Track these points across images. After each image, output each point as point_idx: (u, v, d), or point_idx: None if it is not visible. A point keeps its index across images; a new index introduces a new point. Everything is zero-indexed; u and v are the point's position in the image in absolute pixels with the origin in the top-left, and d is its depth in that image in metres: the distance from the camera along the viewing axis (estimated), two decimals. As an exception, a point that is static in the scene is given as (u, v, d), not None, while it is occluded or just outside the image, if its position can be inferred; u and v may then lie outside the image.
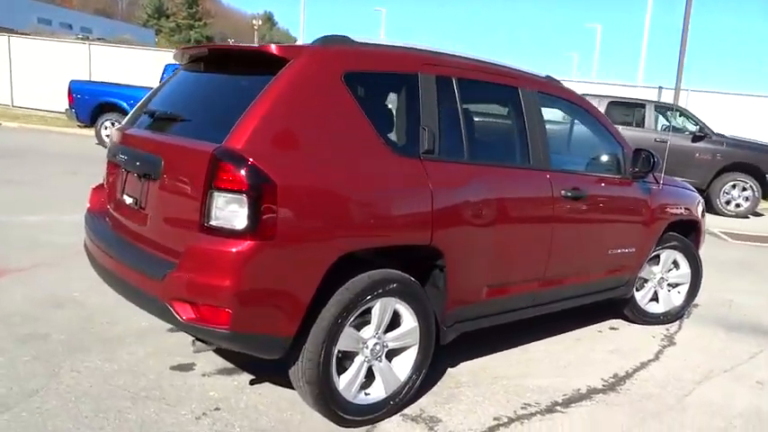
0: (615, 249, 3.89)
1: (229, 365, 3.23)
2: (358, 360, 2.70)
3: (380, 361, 2.76)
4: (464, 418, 2.90)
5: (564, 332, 4.18)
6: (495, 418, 2.93)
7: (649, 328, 4.45)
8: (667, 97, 15.77)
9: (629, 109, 12.00)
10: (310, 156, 2.44)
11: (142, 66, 18.49)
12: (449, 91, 2.95)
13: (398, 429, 2.77)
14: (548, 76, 3.65)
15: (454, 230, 2.84)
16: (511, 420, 2.92)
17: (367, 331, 2.69)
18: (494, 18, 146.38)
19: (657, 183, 4.16)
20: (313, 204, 2.41)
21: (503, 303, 3.30)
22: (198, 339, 2.55)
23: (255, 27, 61.33)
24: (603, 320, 4.49)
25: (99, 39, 26.81)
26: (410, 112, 2.80)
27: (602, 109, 11.35)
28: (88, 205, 3.36)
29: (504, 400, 3.12)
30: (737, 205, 11.38)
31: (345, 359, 2.68)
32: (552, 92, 3.57)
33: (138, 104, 3.28)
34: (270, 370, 3.10)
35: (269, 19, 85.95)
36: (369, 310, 2.66)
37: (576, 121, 3.85)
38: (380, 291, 2.62)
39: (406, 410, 2.90)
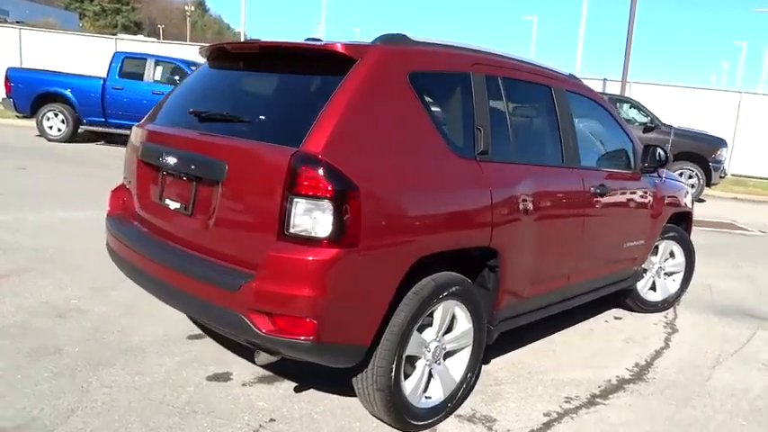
0: (630, 242, 4.01)
1: (267, 373, 3.11)
2: (420, 364, 2.65)
3: (439, 364, 2.73)
4: (517, 416, 2.92)
5: (574, 324, 4.27)
6: (545, 414, 2.96)
7: (649, 316, 4.62)
8: (611, 89, 16.40)
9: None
10: (385, 159, 2.37)
11: (76, 52, 17.49)
12: (496, 91, 2.94)
13: (458, 431, 2.76)
14: (570, 74, 3.70)
15: (508, 230, 2.84)
16: (560, 415, 2.97)
17: (428, 334, 2.65)
18: (432, 11, 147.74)
19: (660, 176, 4.32)
20: (391, 209, 2.34)
21: (541, 300, 3.34)
22: (264, 350, 2.43)
23: (188, 13, 59.17)
24: (606, 311, 4.62)
25: (18, 22, 25.14)
26: (466, 113, 2.77)
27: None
28: (108, 209, 3.14)
29: (546, 396, 3.16)
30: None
31: (408, 364, 2.63)
32: (576, 90, 3.62)
33: (167, 101, 3.09)
34: (312, 377, 3.02)
35: (200, 5, 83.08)
36: (431, 314, 2.62)
37: (594, 117, 3.93)
38: (444, 294, 2.59)
39: (459, 411, 2.89)
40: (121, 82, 12.04)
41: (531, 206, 2.97)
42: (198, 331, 3.55)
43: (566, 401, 3.11)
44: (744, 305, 5.11)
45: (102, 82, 12.07)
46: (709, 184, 12.19)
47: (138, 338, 3.40)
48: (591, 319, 4.42)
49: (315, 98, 2.40)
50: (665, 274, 4.73)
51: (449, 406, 2.78)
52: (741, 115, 17.60)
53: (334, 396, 2.92)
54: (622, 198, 3.85)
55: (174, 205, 2.67)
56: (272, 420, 2.69)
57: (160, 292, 2.65)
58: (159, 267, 2.59)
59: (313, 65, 2.55)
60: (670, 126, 12.19)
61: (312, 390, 2.98)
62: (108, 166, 10.01)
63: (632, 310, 4.64)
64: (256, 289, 2.21)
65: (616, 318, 4.55)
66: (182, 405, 2.74)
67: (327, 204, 2.14)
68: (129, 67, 12.21)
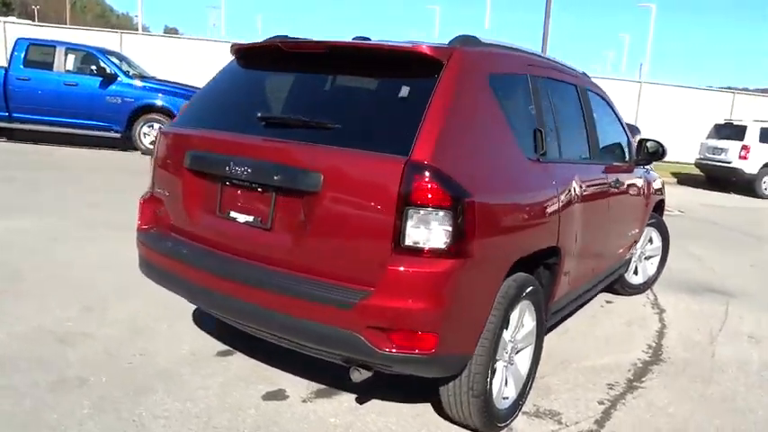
0: (631, 230, 4.25)
1: (319, 386, 2.97)
2: (500, 366, 2.65)
3: (512, 363, 2.75)
4: (576, 407, 3.00)
5: (576, 310, 4.46)
6: (599, 403, 3.07)
7: (633, 298, 4.92)
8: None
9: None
10: (480, 163, 2.34)
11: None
12: (545, 91, 2.98)
13: (530, 428, 2.80)
14: (583, 72, 3.82)
15: (567, 228, 2.90)
16: (612, 403, 3.09)
17: (506, 336, 2.66)
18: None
19: (646, 167, 4.59)
20: (494, 215, 2.32)
21: (574, 293, 3.45)
22: (365, 368, 2.32)
23: (68, -5, 54.64)
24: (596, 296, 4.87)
25: None
26: (529, 115, 2.79)
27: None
28: (141, 222, 2.84)
29: (590, 384, 3.27)
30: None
31: (490, 367, 2.63)
32: (591, 87, 3.75)
33: (202, 103, 2.84)
34: (363, 386, 2.94)
35: (80, -14, 76.83)
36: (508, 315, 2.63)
37: (600, 112, 4.09)
38: (522, 295, 2.60)
39: (525, 408, 2.93)
40: (27, 72, 10.93)
41: (579, 203, 3.05)
42: (224, 347, 3.33)
43: (609, 388, 3.24)
44: (705, 283, 5.57)
45: (3, 72, 10.89)
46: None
47: (165, 360, 3.13)
48: (587, 306, 4.63)
49: (406, 102, 2.30)
50: (645, 258, 5.05)
51: (519, 404, 2.81)
52: (642, 102, 19.08)
53: (399, 404, 2.86)
54: (627, 190, 4.05)
55: (243, 218, 2.46)
56: (353, 437, 2.59)
57: (236, 312, 2.44)
58: (237, 286, 2.38)
59: (395, 67, 2.43)
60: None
61: (374, 400, 2.89)
62: (27, 167, 9.09)
63: (618, 294, 4.91)
64: (375, 305, 2.10)
65: (607, 302, 4.79)
66: (253, 430, 2.57)
67: (445, 214, 2.08)
68: (34, 55, 11.10)
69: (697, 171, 15.58)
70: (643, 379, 3.41)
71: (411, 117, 2.21)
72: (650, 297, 5.00)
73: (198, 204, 2.64)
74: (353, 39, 2.84)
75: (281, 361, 3.14)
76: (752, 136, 13.83)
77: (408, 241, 2.09)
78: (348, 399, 2.89)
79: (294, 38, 2.76)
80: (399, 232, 2.09)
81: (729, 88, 26.34)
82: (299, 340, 2.32)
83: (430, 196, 2.07)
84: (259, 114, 2.49)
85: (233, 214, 2.50)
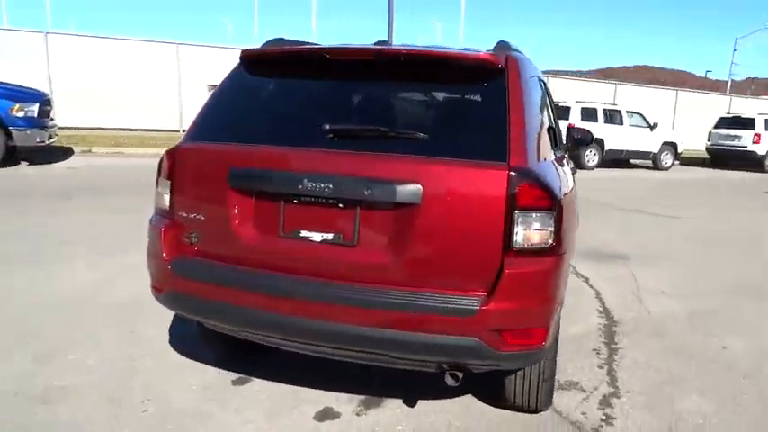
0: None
1: (360, 397, 2.91)
2: (553, 347, 2.84)
3: (554, 343, 2.96)
4: (586, 375, 3.31)
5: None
6: (599, 367, 3.42)
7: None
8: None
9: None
10: (547, 162, 2.49)
11: None
12: (546, 91, 3.23)
13: (566, 400, 3.03)
14: None
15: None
16: (609, 365, 3.45)
17: (555, 319, 2.86)
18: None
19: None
20: (570, 211, 2.50)
21: None
22: (456, 370, 2.35)
23: None
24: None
25: None
26: (548, 114, 3.00)
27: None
28: (164, 251, 2.51)
29: (581, 352, 3.62)
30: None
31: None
32: (541, 77, 4.08)
33: (232, 113, 2.60)
34: (399, 388, 2.97)
35: None
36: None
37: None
38: None
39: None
40: None
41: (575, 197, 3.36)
42: (233, 375, 3.10)
43: (596, 353, 3.62)
44: (600, 249, 6.36)
45: None
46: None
47: (181, 401, 2.83)
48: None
49: (482, 108, 2.37)
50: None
51: (556, 379, 3.03)
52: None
53: (443, 401, 2.92)
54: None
55: (319, 237, 2.32)
56: (431, 441, 2.60)
57: (313, 334, 2.29)
58: (319, 307, 2.24)
59: (455, 73, 2.46)
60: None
61: (421, 401, 2.91)
62: None
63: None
64: (495, 309, 2.14)
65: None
66: (332, 454, 2.46)
67: (547, 214, 2.20)
68: None
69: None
70: (616, 340, 3.86)
71: (495, 123, 2.28)
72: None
73: (251, 226, 2.41)
74: (375, 43, 2.79)
75: (303, 378, 3.02)
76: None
77: (518, 244, 2.17)
78: (395, 404, 2.88)
79: (302, 42, 2.66)
80: (509, 236, 2.16)
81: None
82: (406, 354, 2.27)
83: (535, 199, 2.17)
84: (328, 126, 2.34)
85: (304, 233, 2.34)
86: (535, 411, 2.81)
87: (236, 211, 2.41)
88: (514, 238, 2.17)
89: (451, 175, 2.21)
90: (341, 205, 2.29)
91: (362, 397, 2.92)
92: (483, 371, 2.42)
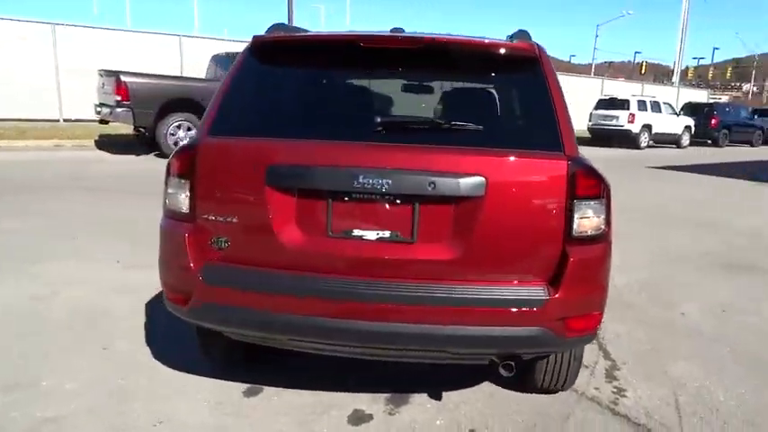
0: None
1: (385, 395, 2.83)
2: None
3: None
4: (621, 352, 3.46)
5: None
6: (599, 348, 3.58)
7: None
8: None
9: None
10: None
11: None
12: None
13: (581, 379, 3.14)
14: None
15: None
16: (602, 342, 3.63)
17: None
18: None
19: None
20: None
21: None
22: (510, 362, 2.34)
23: None
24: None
25: None
26: None
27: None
28: (192, 262, 2.25)
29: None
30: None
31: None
32: None
33: (258, 105, 2.39)
34: (421, 381, 2.94)
35: None
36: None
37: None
38: None
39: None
40: None
41: None
42: (242, 385, 2.88)
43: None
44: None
45: None
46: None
47: (195, 418, 2.60)
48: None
49: (526, 98, 2.34)
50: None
51: None
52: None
53: (466, 391, 2.90)
54: None
55: (374, 235, 2.19)
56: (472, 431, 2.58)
57: (368, 336, 2.17)
58: (379, 308, 2.12)
59: (492, 63, 2.41)
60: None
61: (444, 394, 2.87)
62: None
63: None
64: (562, 298, 2.15)
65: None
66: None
67: (599, 203, 2.23)
68: None
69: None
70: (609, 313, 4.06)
71: (544, 112, 2.28)
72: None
73: (293, 227, 2.23)
74: (392, 30, 2.67)
75: (316, 382, 2.89)
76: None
77: (577, 232, 2.19)
78: (421, 399, 2.83)
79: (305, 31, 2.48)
80: (569, 225, 2.18)
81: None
82: (471, 349, 2.22)
83: (590, 188, 2.20)
84: (379, 119, 2.21)
85: (357, 232, 2.20)
86: (556, 391, 2.88)
87: (275, 211, 2.22)
88: (574, 227, 2.19)
89: (514, 167, 2.19)
90: (398, 201, 2.18)
91: (386, 396, 2.84)
92: (531, 357, 2.43)
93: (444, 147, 2.22)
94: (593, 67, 62.74)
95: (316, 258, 2.23)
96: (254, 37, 2.50)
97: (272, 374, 2.97)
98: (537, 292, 2.17)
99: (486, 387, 2.96)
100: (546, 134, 2.26)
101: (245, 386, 2.88)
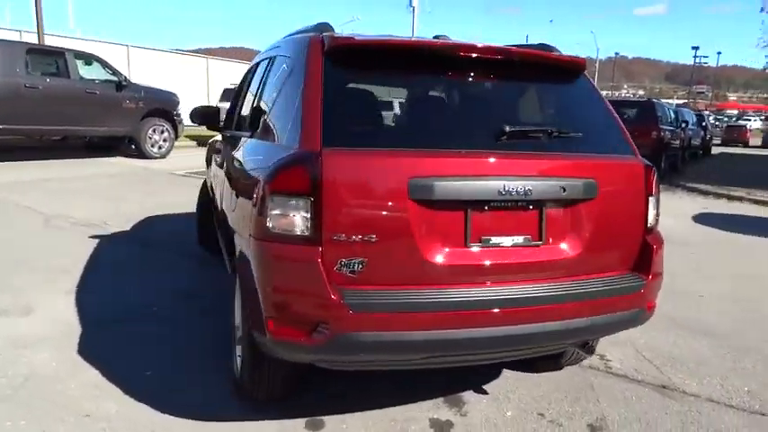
0: None
1: (437, 400, 2.87)
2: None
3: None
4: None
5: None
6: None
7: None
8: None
9: (50, 57, 10.86)
10: None
11: None
12: None
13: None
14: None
15: None
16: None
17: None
18: None
19: None
20: None
21: None
22: (592, 344, 2.62)
23: None
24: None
25: None
26: None
27: (19, 57, 10.00)
28: (330, 290, 2.01)
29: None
30: (160, 147, 12.68)
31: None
32: None
33: (362, 113, 2.19)
34: (470, 380, 3.07)
35: None
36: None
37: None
38: None
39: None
40: None
41: None
42: (300, 420, 2.64)
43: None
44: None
45: None
46: (177, 136, 13.25)
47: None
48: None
49: (589, 105, 2.59)
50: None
51: None
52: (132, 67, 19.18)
53: (504, 381, 3.10)
54: None
55: (509, 241, 2.25)
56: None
57: (512, 340, 2.23)
58: (520, 312, 2.19)
59: (551, 72, 2.62)
60: (136, 84, 12.35)
61: (486, 387, 3.01)
62: None
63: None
64: (652, 281, 2.48)
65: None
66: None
67: (657, 199, 2.62)
68: None
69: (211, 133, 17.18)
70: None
71: (610, 120, 2.59)
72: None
73: (433, 240, 2.16)
74: (434, 37, 2.68)
75: (369, 402, 2.81)
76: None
77: (650, 224, 2.56)
78: (474, 396, 2.93)
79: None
80: (647, 218, 2.53)
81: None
82: (589, 337, 2.43)
83: (657, 185, 2.59)
84: (508, 128, 2.24)
85: (495, 240, 2.23)
86: (562, 367, 3.24)
87: (417, 225, 2.13)
88: (649, 220, 2.55)
89: (615, 170, 2.47)
90: (530, 207, 2.28)
91: (441, 400, 2.88)
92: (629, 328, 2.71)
93: (568, 153, 2.42)
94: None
95: (456, 270, 2.20)
96: (336, 39, 2.32)
97: (320, 403, 2.77)
98: (636, 278, 2.49)
99: (509, 374, 3.19)
100: (619, 139, 2.59)
101: (302, 420, 2.64)
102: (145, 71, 18.39)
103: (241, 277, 2.45)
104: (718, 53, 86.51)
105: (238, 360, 2.85)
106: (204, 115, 4.46)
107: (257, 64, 3.70)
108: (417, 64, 2.39)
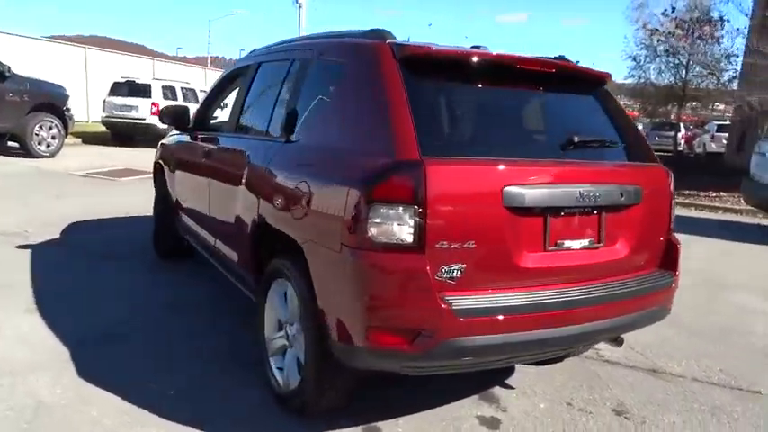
0: None
1: (472, 397, 2.98)
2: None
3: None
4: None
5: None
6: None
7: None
8: None
9: None
10: None
11: None
12: None
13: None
14: None
15: None
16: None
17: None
18: None
19: None
20: None
21: None
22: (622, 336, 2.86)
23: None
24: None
25: None
26: None
27: None
28: (438, 297, 2.05)
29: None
30: (48, 145, 11.55)
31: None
32: None
33: (447, 124, 2.23)
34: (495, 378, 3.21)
35: None
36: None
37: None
38: None
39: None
40: None
41: None
42: (357, 428, 2.62)
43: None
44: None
45: None
46: (67, 133, 12.13)
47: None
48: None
49: (615, 116, 2.82)
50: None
51: None
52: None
53: (519, 374, 3.26)
54: None
55: (578, 244, 2.42)
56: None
57: (583, 336, 2.41)
58: (590, 310, 2.36)
59: (584, 84, 2.82)
60: (21, 75, 11.13)
61: (508, 382, 3.17)
62: None
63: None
64: (676, 278, 2.76)
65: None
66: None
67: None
68: None
69: (103, 128, 15.89)
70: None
71: (635, 129, 2.85)
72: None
73: (520, 245, 2.27)
74: (472, 47, 2.78)
75: (411, 405, 2.86)
76: (157, 94, 15.22)
77: (672, 224, 2.83)
78: (503, 392, 3.06)
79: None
80: (670, 219, 2.80)
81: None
82: (632, 329, 2.66)
83: (674, 189, 2.87)
84: (577, 139, 2.40)
85: (567, 243, 2.38)
86: (563, 359, 3.49)
87: (508, 232, 2.24)
88: (672, 220, 2.84)
89: (652, 176, 2.73)
90: (595, 212, 2.46)
91: (476, 398, 2.99)
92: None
93: (622, 162, 2.67)
94: (209, 59, 63.44)
95: (539, 273, 2.34)
96: (411, 48, 2.36)
97: (369, 409, 2.76)
98: (666, 275, 2.75)
99: (520, 368, 3.37)
100: (646, 147, 2.85)
101: (359, 428, 2.62)
102: (11, 61, 16.50)
103: (311, 289, 2.39)
104: (577, 62, 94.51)
105: (277, 372, 2.78)
106: (175, 115, 4.25)
107: (258, 65, 3.56)
108: (486, 75, 2.49)
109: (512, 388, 3.13)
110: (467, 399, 2.96)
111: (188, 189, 4.23)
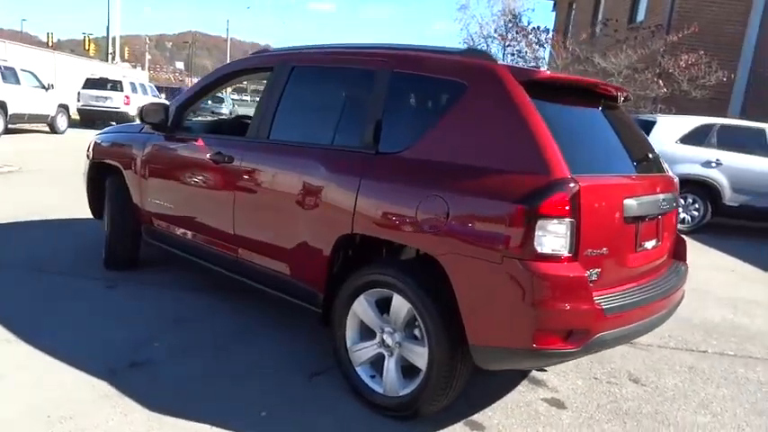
0: None
1: (535, 378, 3.32)
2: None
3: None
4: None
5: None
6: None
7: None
8: None
9: None
10: None
11: None
12: None
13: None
14: None
15: None
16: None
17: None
18: None
19: None
20: None
21: None
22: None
23: None
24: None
25: None
26: None
27: None
28: (590, 299, 2.35)
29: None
30: None
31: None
32: None
33: (565, 142, 2.48)
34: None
35: None
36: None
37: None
38: None
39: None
40: None
41: None
42: (460, 424, 2.82)
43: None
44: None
45: None
46: None
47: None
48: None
49: (637, 132, 3.34)
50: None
51: None
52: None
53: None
54: None
55: (650, 245, 2.87)
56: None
57: (653, 323, 2.85)
58: (663, 302, 2.85)
59: (620, 104, 3.27)
60: None
61: (533, 378, 3.56)
62: None
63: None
64: (687, 266, 3.38)
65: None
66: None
67: None
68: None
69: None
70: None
71: (649, 142, 3.41)
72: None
73: (626, 249, 2.70)
74: (532, 67, 3.10)
75: (488, 394, 3.14)
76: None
77: (680, 221, 3.45)
78: (542, 375, 3.43)
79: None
80: (678, 216, 3.42)
81: None
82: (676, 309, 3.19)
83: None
84: (650, 155, 2.83)
85: (646, 244, 2.84)
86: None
87: (622, 238, 2.66)
88: (680, 219, 3.45)
89: (675, 184, 3.29)
90: (659, 216, 2.96)
91: (525, 381, 3.34)
92: None
93: (665, 173, 3.22)
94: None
95: (633, 270, 2.79)
96: (539, 72, 2.66)
97: (456, 405, 2.95)
98: (683, 264, 3.35)
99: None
100: (657, 157, 3.37)
101: (459, 424, 2.82)
102: None
103: (438, 298, 2.54)
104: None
105: (370, 381, 2.86)
106: (156, 114, 3.91)
107: (292, 68, 3.37)
108: (581, 97, 2.91)
109: (544, 371, 3.53)
110: (520, 385, 3.29)
111: (187, 198, 3.86)
